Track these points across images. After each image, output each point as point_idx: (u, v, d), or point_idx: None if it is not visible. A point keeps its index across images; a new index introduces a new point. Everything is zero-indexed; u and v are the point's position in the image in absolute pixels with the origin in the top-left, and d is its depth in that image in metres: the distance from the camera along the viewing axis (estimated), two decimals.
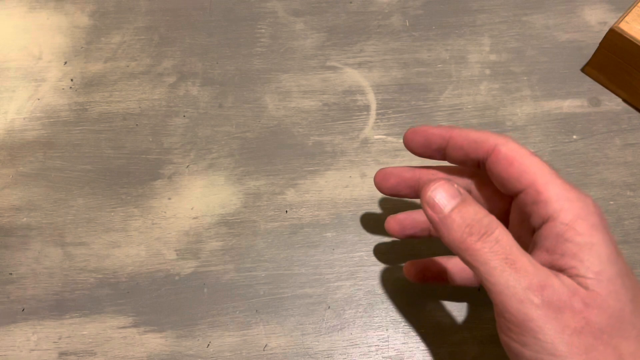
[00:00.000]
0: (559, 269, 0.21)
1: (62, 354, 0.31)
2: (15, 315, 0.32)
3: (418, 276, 0.30)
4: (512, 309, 0.20)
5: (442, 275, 0.29)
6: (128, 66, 0.41)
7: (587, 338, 0.19)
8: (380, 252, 0.34)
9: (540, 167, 0.22)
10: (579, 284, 0.20)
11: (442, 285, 0.31)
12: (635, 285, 0.21)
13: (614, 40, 0.36)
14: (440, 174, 0.28)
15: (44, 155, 0.38)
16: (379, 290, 0.33)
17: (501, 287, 0.20)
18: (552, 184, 0.22)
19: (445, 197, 0.22)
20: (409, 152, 0.37)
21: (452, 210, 0.22)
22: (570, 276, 0.20)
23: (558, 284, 0.20)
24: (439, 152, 0.26)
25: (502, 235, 0.21)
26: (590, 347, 0.19)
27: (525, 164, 0.22)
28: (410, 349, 0.31)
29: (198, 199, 0.36)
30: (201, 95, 0.40)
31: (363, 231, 0.34)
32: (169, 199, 0.36)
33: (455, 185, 0.22)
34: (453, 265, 0.29)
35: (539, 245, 0.22)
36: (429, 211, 0.22)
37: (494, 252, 0.20)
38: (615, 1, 0.43)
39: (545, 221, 0.22)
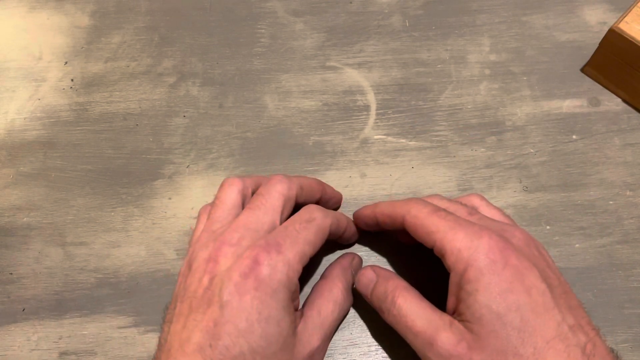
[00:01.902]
0: (458, 314, 0.24)
1: (62, 353, 0.31)
2: (16, 315, 0.32)
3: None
4: None
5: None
6: (128, 66, 0.41)
7: None
8: (380, 252, 0.34)
9: (438, 225, 0.25)
10: (467, 328, 0.24)
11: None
12: (530, 315, 0.23)
13: (614, 40, 0.36)
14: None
15: (45, 155, 0.38)
16: None
17: (411, 346, 0.26)
18: (449, 239, 0.25)
19: (365, 283, 0.29)
20: (408, 152, 0.37)
21: (371, 293, 0.28)
22: (463, 321, 0.24)
23: (445, 336, 0.24)
24: (379, 226, 0.30)
25: (401, 305, 0.26)
26: None
27: (426, 225, 0.26)
28: (411, 349, 0.31)
29: (198, 199, 0.36)
30: (201, 95, 0.40)
31: (363, 231, 0.34)
32: (169, 198, 0.36)
33: (371, 272, 0.29)
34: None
35: (450, 292, 0.25)
36: (361, 293, 0.29)
37: (397, 322, 0.26)
38: (615, 1, 0.43)
39: (449, 272, 0.25)
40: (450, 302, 0.25)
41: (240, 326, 0.23)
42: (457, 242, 0.24)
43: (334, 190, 0.33)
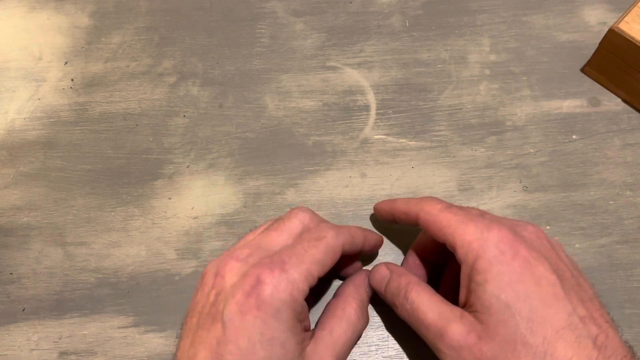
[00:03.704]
0: (469, 306, 0.24)
1: (62, 353, 0.31)
2: (16, 315, 0.32)
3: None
4: (434, 354, 0.25)
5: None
6: (128, 66, 0.41)
7: None
8: (380, 252, 0.34)
9: (450, 220, 0.26)
10: (477, 319, 0.24)
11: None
12: (539, 304, 0.23)
13: (614, 40, 0.36)
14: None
15: (45, 155, 0.38)
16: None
17: (423, 338, 0.26)
18: (458, 233, 0.25)
19: (379, 279, 0.29)
20: (408, 152, 0.37)
21: (385, 288, 0.28)
22: (473, 312, 0.24)
23: (455, 328, 0.24)
24: (395, 221, 0.31)
25: (414, 299, 0.26)
26: None
27: (438, 221, 0.27)
28: (411, 349, 0.31)
29: (198, 199, 0.36)
30: (201, 95, 0.40)
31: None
32: (169, 198, 0.36)
33: (385, 268, 0.29)
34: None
35: (462, 285, 0.25)
36: (375, 290, 0.29)
37: (410, 315, 0.26)
38: (615, 1, 0.43)
39: (461, 265, 0.25)
40: (462, 294, 0.25)
41: (242, 346, 0.23)
42: (467, 235, 0.25)
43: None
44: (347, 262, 0.31)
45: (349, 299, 0.28)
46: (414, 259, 0.31)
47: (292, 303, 0.24)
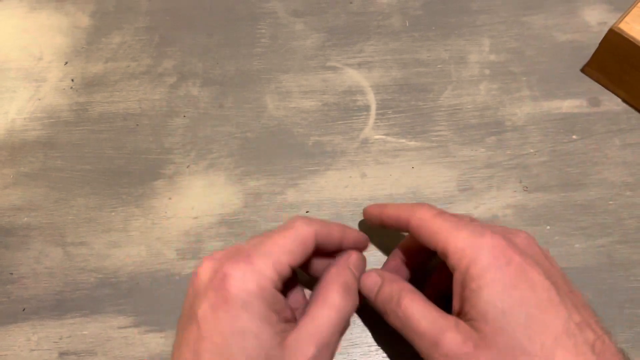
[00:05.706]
0: (464, 315, 0.24)
1: (62, 353, 0.31)
2: (16, 315, 0.33)
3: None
4: None
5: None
6: (128, 66, 0.41)
7: None
8: (380, 252, 0.34)
9: (442, 226, 0.26)
10: (472, 327, 0.23)
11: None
12: (535, 310, 0.22)
13: (614, 40, 0.36)
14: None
15: (45, 155, 0.38)
16: None
17: (416, 348, 0.25)
18: (451, 239, 0.25)
19: (370, 286, 0.28)
20: (408, 152, 0.37)
21: (376, 296, 0.27)
22: (468, 320, 0.23)
23: (451, 336, 0.23)
24: (384, 226, 0.30)
25: (406, 307, 0.25)
26: None
27: (430, 227, 0.26)
28: (411, 349, 0.31)
29: (198, 199, 0.36)
30: (201, 96, 0.40)
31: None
32: (170, 198, 0.36)
33: (376, 275, 0.28)
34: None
35: (455, 293, 0.25)
36: (366, 297, 0.28)
37: (402, 324, 0.25)
38: (615, 1, 0.43)
39: (453, 272, 0.25)
40: (455, 302, 0.25)
41: (217, 342, 0.23)
42: (460, 241, 0.24)
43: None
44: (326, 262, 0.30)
45: (331, 283, 0.27)
46: (396, 262, 0.30)
47: (261, 292, 0.23)
